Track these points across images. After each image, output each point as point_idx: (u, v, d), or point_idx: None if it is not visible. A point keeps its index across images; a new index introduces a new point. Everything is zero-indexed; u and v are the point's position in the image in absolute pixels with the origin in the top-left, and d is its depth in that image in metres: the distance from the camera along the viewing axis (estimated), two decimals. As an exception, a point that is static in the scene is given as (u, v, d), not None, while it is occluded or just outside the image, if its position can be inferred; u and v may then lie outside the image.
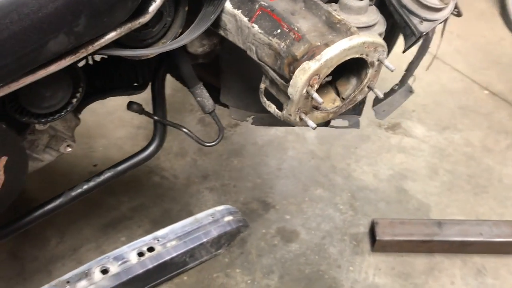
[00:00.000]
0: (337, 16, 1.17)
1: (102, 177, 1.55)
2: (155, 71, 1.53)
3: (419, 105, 2.86)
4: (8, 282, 1.93)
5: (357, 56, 1.14)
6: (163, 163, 2.42)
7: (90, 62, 1.54)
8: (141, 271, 1.86)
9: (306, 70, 1.09)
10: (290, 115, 1.18)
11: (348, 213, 2.27)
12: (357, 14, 1.28)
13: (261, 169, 2.43)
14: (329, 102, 1.25)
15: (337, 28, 1.16)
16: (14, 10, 0.96)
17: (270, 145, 2.56)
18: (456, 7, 1.51)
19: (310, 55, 1.11)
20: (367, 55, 1.15)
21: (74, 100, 1.26)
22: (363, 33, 1.15)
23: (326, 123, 1.67)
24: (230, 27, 1.28)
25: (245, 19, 1.23)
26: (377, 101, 1.70)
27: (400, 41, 1.57)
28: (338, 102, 1.26)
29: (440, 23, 1.43)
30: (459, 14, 1.53)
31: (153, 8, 1.17)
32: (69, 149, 1.44)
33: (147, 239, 1.96)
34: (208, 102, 1.50)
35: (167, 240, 1.96)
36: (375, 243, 2.10)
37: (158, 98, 1.55)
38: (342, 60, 1.12)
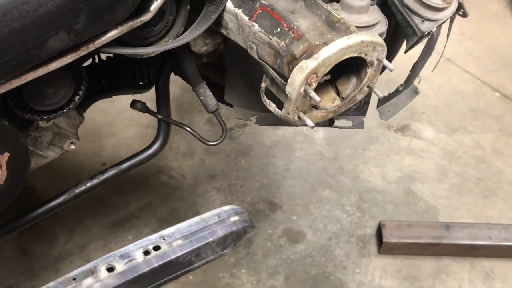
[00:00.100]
0: (337, 15, 1.17)
1: (106, 175, 1.56)
2: (159, 70, 1.54)
3: (429, 107, 2.84)
4: (17, 278, 1.96)
5: (355, 55, 1.13)
6: (171, 162, 2.44)
7: (96, 60, 1.56)
8: (146, 269, 1.88)
9: (304, 68, 1.09)
10: (289, 113, 1.18)
11: (355, 214, 2.26)
12: (358, 13, 1.28)
13: (268, 170, 2.44)
14: (329, 101, 1.25)
15: (336, 27, 1.16)
16: (15, 7, 0.97)
17: (278, 145, 2.56)
18: (461, 7, 1.50)
19: (309, 54, 1.12)
20: (366, 54, 1.15)
21: (77, 98, 1.27)
22: (362, 32, 1.15)
23: (330, 123, 1.67)
24: (232, 26, 1.29)
25: (246, 18, 1.23)
26: (381, 101, 1.70)
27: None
28: (337, 102, 1.25)
29: (443, 23, 1.42)
30: (464, 15, 1.52)
31: (154, 6, 1.18)
32: (72, 147, 1.45)
33: (153, 237, 1.97)
34: (211, 101, 1.50)
35: (173, 239, 1.97)
36: (382, 245, 2.09)
37: (162, 96, 1.56)
38: (340, 59, 1.12)
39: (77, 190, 1.53)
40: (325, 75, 1.14)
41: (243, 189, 2.34)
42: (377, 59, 1.17)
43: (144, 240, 1.96)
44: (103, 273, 1.84)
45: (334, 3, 1.32)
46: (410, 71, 1.68)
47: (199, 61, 1.54)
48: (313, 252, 2.11)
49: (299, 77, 1.10)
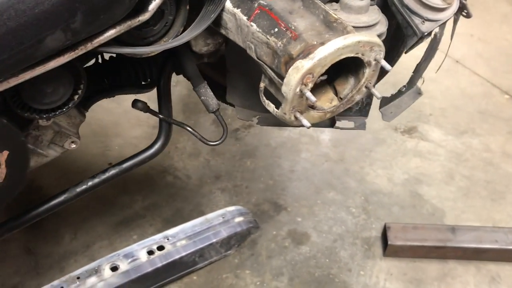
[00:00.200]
0: (334, 15, 1.16)
1: (107, 174, 1.57)
2: (160, 69, 1.54)
3: (436, 109, 2.82)
4: (22, 277, 1.97)
5: (352, 55, 1.13)
6: (177, 163, 2.44)
7: (100, 60, 1.57)
8: (150, 269, 1.88)
9: (299, 68, 1.09)
10: (285, 113, 1.18)
11: (360, 216, 2.25)
12: (358, 13, 1.27)
13: (273, 171, 2.43)
14: (327, 101, 1.24)
15: (333, 27, 1.16)
16: (11, 6, 0.98)
17: (283, 146, 2.56)
18: (465, 8, 1.49)
19: (305, 53, 1.11)
20: (363, 55, 1.14)
21: (76, 97, 1.28)
22: (359, 32, 1.14)
23: (331, 124, 1.66)
24: (231, 26, 1.29)
25: (244, 18, 1.23)
26: (384, 102, 1.69)
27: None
28: (335, 102, 1.25)
29: (444, 23, 1.41)
30: (468, 15, 1.51)
31: (153, 6, 1.18)
32: (73, 146, 1.46)
33: (157, 237, 1.98)
34: (212, 101, 1.50)
35: (177, 239, 1.98)
36: (387, 248, 2.08)
37: (164, 96, 1.56)
38: (337, 59, 1.11)
39: (78, 189, 1.54)
40: (322, 75, 1.13)
41: (248, 190, 2.34)
42: (375, 59, 1.16)
43: (148, 240, 1.97)
44: (107, 272, 1.85)
45: (334, 3, 1.32)
46: (413, 72, 1.67)
47: (200, 61, 1.55)
48: (318, 253, 2.10)
49: (295, 77, 1.10)
